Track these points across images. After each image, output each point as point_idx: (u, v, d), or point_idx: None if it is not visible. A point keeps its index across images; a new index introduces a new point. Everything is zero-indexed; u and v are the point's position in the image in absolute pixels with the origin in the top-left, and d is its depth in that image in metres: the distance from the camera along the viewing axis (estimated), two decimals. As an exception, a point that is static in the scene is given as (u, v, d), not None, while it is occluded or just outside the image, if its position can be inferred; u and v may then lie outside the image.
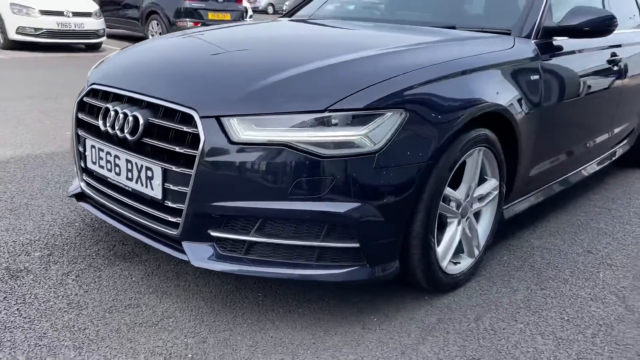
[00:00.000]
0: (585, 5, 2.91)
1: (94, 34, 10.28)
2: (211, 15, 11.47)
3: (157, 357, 1.82)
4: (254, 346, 1.91)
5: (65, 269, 2.33)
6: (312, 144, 1.85)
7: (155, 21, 11.44)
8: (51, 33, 9.72)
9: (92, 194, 2.37)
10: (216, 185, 1.90)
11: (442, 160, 2.05)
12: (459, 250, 2.38)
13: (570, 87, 2.86)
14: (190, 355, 1.85)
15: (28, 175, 3.42)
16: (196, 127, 1.90)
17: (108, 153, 2.20)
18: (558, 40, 2.80)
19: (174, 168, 1.96)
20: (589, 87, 3.05)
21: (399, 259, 2.05)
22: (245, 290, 2.25)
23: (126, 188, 2.16)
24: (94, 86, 2.35)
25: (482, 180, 2.40)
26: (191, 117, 1.92)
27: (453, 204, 2.24)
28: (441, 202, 2.13)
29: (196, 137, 1.89)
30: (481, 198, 2.41)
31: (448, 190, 2.16)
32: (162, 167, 1.99)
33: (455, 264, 2.36)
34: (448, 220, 2.27)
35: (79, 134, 2.36)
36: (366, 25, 3.21)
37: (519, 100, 2.41)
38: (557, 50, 2.80)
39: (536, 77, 2.56)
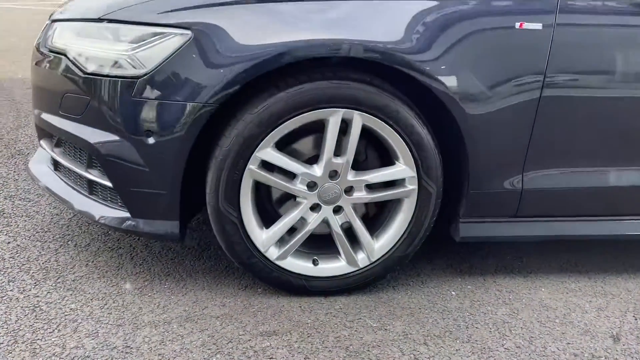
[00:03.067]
0: None
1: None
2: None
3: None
4: (45, 268, 1.83)
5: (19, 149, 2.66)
6: (83, 56, 1.61)
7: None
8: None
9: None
10: (37, 92, 1.84)
11: (245, 109, 1.53)
12: (335, 251, 1.74)
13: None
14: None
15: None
16: None
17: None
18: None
19: (36, 72, 1.98)
20: None
21: (179, 221, 1.64)
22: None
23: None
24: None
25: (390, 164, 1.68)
26: None
27: (298, 180, 1.64)
28: (263, 172, 1.59)
29: None
30: (376, 188, 1.69)
31: (280, 160, 1.59)
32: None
33: (315, 263, 1.74)
34: (297, 200, 1.68)
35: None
36: None
37: (464, 55, 1.55)
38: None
39: (537, 25, 1.58)
